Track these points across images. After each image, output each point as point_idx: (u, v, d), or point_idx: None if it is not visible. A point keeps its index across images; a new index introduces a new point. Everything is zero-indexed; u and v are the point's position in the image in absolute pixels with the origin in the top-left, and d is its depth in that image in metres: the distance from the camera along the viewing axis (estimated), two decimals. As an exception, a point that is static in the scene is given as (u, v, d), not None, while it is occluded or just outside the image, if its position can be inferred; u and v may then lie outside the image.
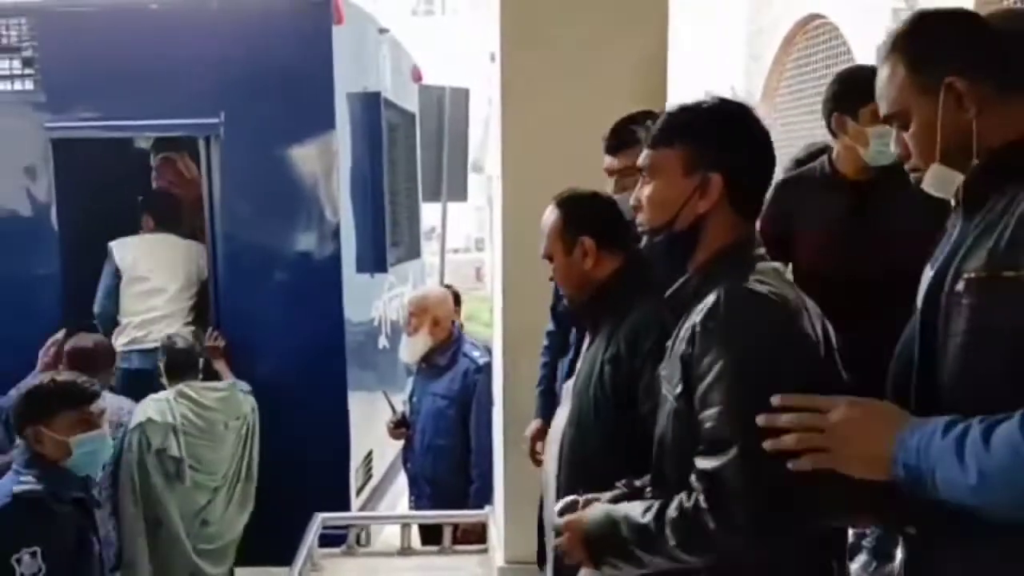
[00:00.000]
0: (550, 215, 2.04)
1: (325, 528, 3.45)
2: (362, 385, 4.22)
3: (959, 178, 1.36)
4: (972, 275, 1.29)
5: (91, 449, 2.33)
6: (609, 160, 2.43)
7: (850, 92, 2.50)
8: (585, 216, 1.92)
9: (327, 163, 3.84)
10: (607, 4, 3.01)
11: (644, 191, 1.51)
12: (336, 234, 3.87)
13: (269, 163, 3.82)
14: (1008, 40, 1.34)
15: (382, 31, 4.59)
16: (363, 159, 4.15)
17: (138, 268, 3.97)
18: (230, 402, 3.63)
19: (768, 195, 2.73)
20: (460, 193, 7.54)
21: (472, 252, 16.52)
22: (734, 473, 1.29)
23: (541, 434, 2.65)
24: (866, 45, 6.51)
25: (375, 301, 4.45)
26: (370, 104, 4.22)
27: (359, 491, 4.12)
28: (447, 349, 3.74)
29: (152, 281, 3.97)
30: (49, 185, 3.87)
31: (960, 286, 1.31)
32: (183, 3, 3.99)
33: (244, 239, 3.89)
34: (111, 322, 3.98)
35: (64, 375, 2.46)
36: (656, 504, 1.40)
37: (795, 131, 7.84)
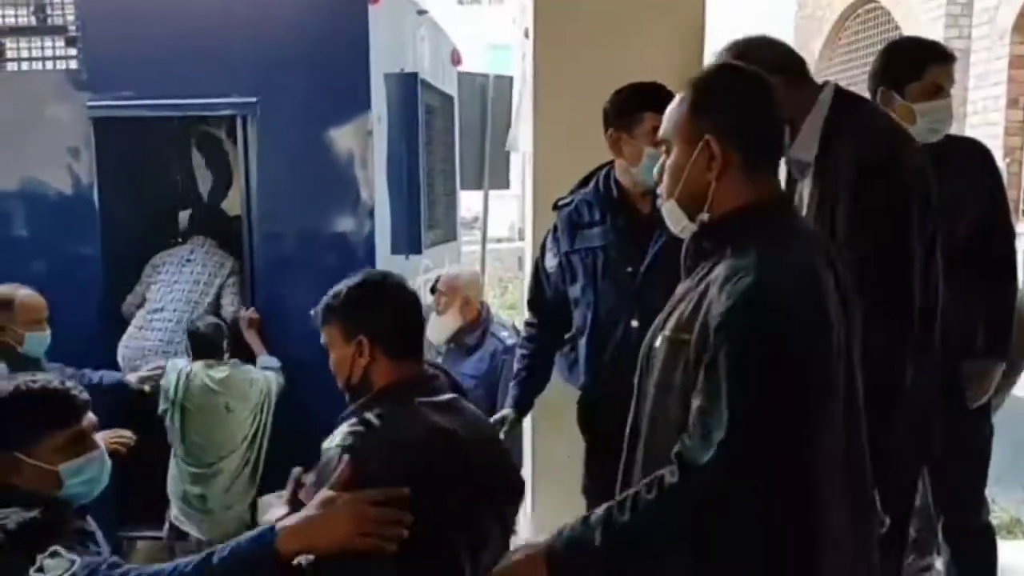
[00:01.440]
0: None
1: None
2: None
3: (686, 221, 1.52)
4: (667, 334, 1.50)
5: (88, 477, 1.78)
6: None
7: (897, 66, 2.43)
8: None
9: (363, 143, 3.82)
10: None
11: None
12: (371, 215, 3.86)
13: (304, 143, 3.83)
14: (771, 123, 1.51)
15: (420, 12, 4.57)
16: (399, 140, 4.14)
17: None
18: (232, 384, 3.67)
19: None
20: (502, 181, 7.51)
21: (516, 241, 16.48)
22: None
23: (512, 425, 2.56)
24: (919, 30, 6.32)
25: (410, 283, 4.43)
26: (407, 85, 4.20)
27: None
28: (475, 329, 3.72)
29: None
30: (91, 164, 3.93)
31: (658, 342, 1.52)
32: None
33: (279, 219, 3.90)
34: None
35: (40, 380, 1.80)
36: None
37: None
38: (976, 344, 2.49)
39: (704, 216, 1.49)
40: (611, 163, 2.47)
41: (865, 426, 1.49)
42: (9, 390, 1.74)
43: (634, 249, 2.35)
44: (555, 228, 2.53)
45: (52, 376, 1.83)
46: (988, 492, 2.68)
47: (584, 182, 2.54)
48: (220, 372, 3.68)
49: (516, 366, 2.68)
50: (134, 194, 4.15)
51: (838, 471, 1.44)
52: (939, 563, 3.17)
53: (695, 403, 1.39)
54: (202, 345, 3.71)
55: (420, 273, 4.59)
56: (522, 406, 2.61)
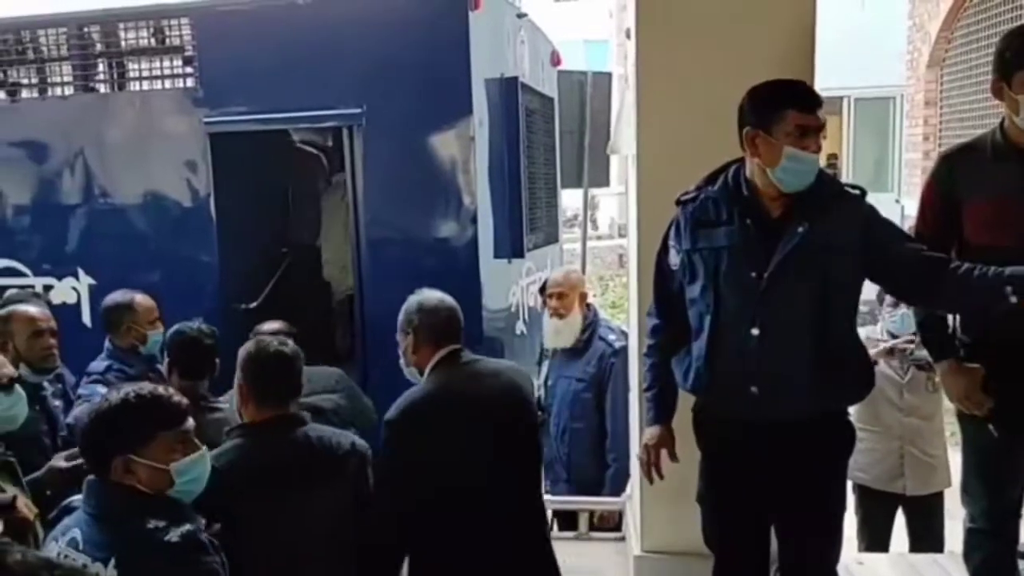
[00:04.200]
0: None
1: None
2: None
3: None
4: None
5: (195, 476, 1.89)
6: (805, 117, 2.21)
7: (1003, 55, 2.31)
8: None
9: (464, 149, 3.86)
10: (749, -26, 2.86)
11: None
12: (474, 220, 3.89)
13: (408, 150, 3.89)
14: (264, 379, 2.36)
15: (520, 15, 4.58)
16: (500, 144, 4.16)
17: None
18: None
19: (932, 169, 2.54)
20: (602, 179, 7.46)
21: (615, 238, 16.36)
22: None
23: (666, 442, 2.47)
24: (1047, 6, 5.93)
25: (512, 286, 4.46)
26: (507, 89, 4.21)
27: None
28: (584, 331, 3.69)
29: None
30: (208, 177, 4.10)
31: None
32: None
33: (385, 226, 3.98)
34: None
35: (146, 388, 1.93)
36: None
37: (964, 105, 7.27)
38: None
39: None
40: (740, 160, 2.38)
41: None
42: (121, 397, 1.87)
43: (760, 252, 2.23)
44: (677, 224, 2.41)
45: (152, 384, 2.00)
46: None
47: (710, 179, 2.40)
48: None
49: (648, 376, 2.53)
50: (248, 204, 4.30)
51: None
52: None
53: None
54: None
55: (523, 276, 4.60)
56: (666, 419, 2.50)
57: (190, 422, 1.92)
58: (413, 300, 2.54)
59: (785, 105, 2.21)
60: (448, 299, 2.57)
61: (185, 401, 1.94)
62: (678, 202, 2.42)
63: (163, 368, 3.24)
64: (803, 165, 2.20)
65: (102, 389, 2.79)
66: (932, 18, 7.71)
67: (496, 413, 2.40)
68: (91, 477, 1.86)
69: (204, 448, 1.93)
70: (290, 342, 2.43)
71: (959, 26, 7.43)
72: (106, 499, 1.82)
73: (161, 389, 1.93)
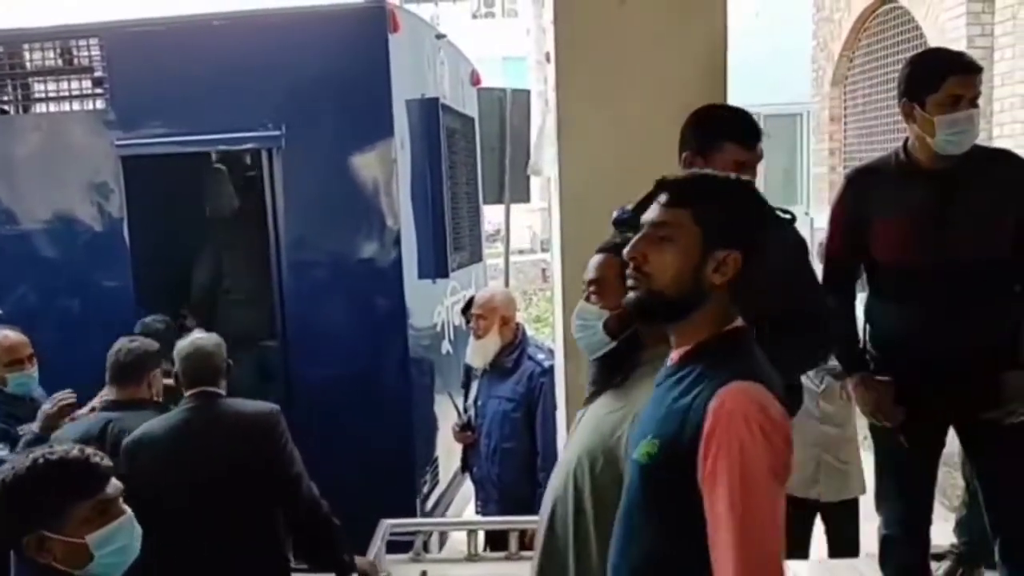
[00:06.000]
0: None
1: (392, 535, 3.46)
2: (426, 391, 4.22)
3: None
4: None
5: (119, 545, 1.68)
6: (744, 153, 2.21)
7: (919, 78, 2.40)
8: None
9: (386, 170, 3.85)
10: (663, 1, 2.94)
11: None
12: (397, 241, 3.88)
13: (329, 172, 3.86)
14: None
15: (439, 36, 4.60)
16: (422, 165, 4.16)
17: None
18: None
19: (838, 192, 2.65)
20: (523, 194, 7.52)
21: (537, 252, 16.51)
22: None
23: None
24: (940, 29, 6.26)
25: (437, 306, 4.45)
26: (428, 110, 4.22)
27: (425, 497, 4.13)
28: (512, 351, 3.71)
29: None
30: (121, 201, 3.98)
31: None
32: (244, 18, 4.06)
33: (307, 248, 3.93)
34: None
35: (57, 452, 1.68)
36: None
37: (867, 120, 7.59)
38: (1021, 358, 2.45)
39: None
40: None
41: None
42: (27, 465, 1.64)
43: None
44: None
45: (69, 445, 1.74)
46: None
47: None
48: None
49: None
50: (164, 228, 4.19)
51: None
52: (987, 577, 3.11)
53: None
54: None
55: (448, 295, 4.60)
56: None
57: (112, 486, 1.68)
58: (178, 345, 2.85)
59: (721, 137, 2.22)
60: (207, 346, 2.81)
61: (106, 463, 1.70)
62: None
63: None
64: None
65: None
66: (834, 38, 8.05)
67: (220, 451, 2.68)
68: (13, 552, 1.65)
69: (129, 513, 1.70)
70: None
71: (860, 46, 7.77)
72: None
73: (76, 451, 1.67)
